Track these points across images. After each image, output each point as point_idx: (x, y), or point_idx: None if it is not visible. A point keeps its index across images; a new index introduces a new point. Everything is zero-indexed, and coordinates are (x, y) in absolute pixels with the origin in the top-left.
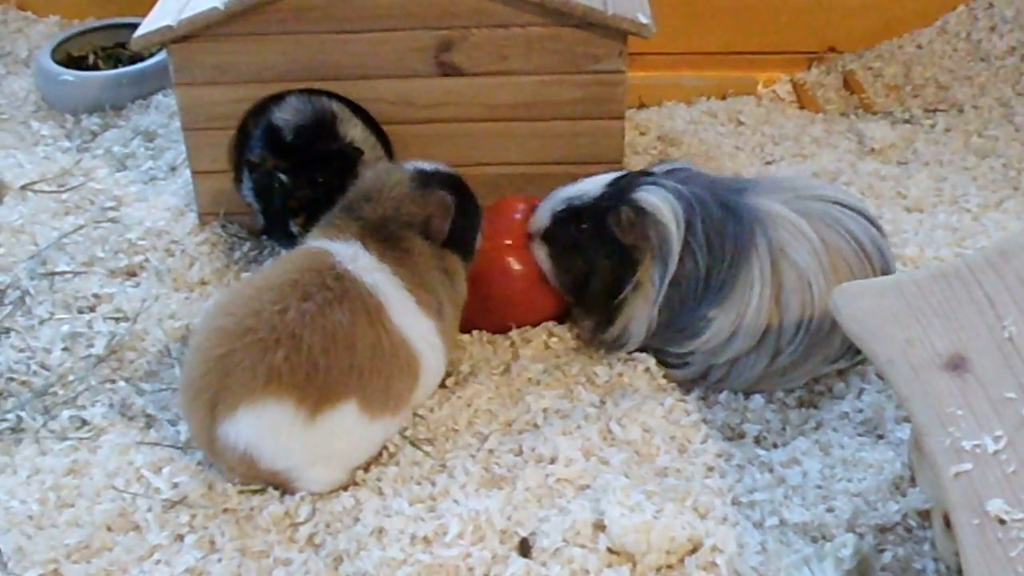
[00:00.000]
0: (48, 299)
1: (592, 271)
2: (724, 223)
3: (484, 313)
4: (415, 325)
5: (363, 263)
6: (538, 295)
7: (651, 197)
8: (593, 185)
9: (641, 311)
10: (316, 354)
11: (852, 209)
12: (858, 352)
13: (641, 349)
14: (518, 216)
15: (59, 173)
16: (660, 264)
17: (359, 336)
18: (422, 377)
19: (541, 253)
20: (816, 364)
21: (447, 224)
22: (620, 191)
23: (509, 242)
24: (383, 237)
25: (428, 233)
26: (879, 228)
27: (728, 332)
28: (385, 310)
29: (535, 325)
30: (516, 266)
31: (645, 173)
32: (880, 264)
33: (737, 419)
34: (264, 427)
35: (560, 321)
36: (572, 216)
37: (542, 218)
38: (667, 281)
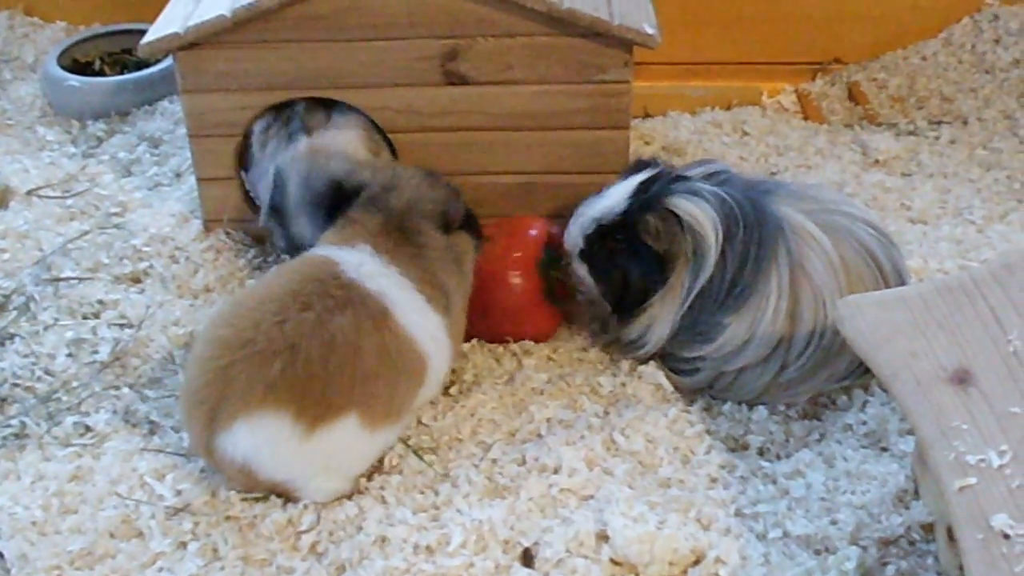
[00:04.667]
0: (53, 305)
1: (629, 280)
2: (754, 230)
3: (484, 322)
4: (423, 323)
5: (368, 268)
6: (536, 312)
7: (688, 204)
8: (617, 199)
9: (667, 314)
10: (315, 365)
11: (875, 229)
12: (865, 372)
13: (649, 357)
14: (533, 233)
15: (64, 179)
16: (693, 271)
17: (363, 344)
18: (428, 378)
19: (581, 271)
20: (821, 381)
21: (463, 205)
22: (650, 199)
23: (519, 255)
24: (400, 231)
25: (447, 217)
26: (899, 252)
27: (741, 340)
28: (391, 314)
29: (537, 341)
30: (517, 280)
31: (680, 177)
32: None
33: (741, 430)
34: (261, 440)
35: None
36: (603, 233)
37: (575, 238)
38: (698, 287)
